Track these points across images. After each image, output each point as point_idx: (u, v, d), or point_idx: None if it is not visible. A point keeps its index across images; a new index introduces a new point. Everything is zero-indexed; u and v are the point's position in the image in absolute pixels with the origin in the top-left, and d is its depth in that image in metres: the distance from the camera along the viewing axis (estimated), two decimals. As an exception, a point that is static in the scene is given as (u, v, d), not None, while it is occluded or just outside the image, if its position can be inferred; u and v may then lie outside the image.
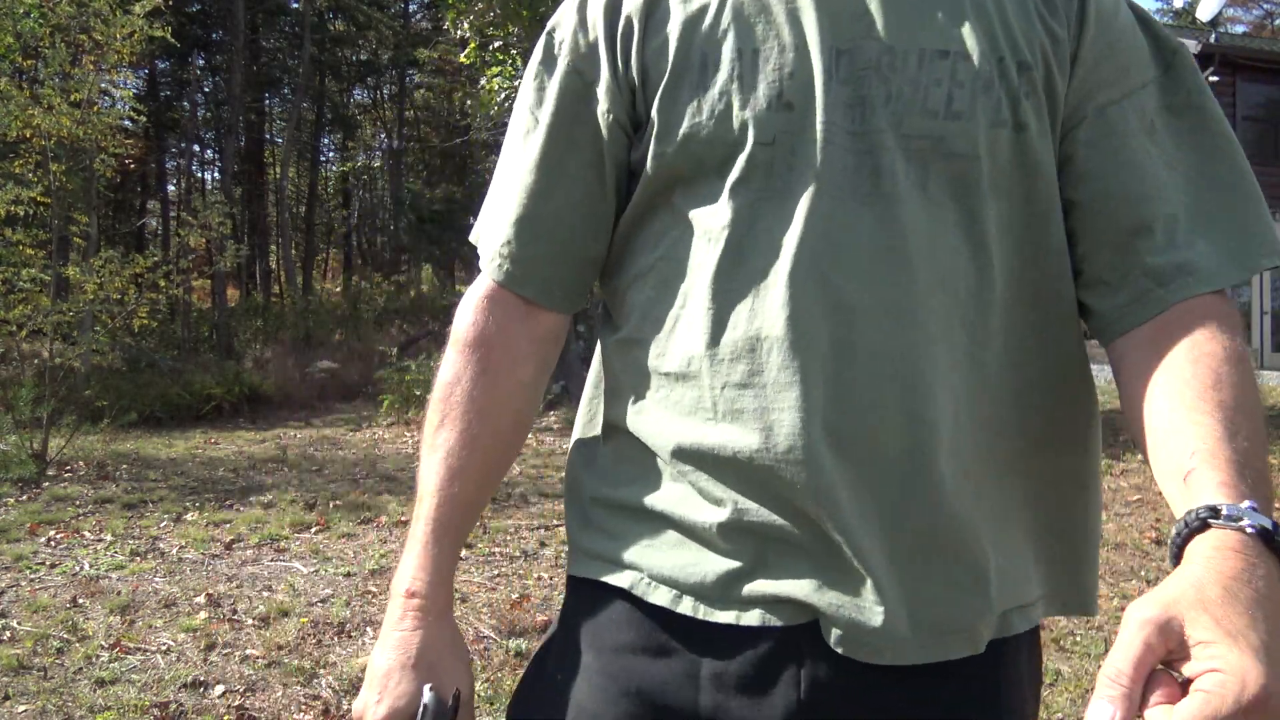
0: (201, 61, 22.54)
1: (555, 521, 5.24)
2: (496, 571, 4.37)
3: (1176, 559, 0.60)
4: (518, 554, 4.65)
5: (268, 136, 24.97)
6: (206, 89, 23.24)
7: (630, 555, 0.82)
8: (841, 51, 0.77)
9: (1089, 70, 0.79)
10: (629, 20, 0.83)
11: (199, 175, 26.33)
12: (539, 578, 4.29)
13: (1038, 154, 0.77)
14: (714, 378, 0.77)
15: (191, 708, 2.96)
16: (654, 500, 0.81)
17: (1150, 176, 0.78)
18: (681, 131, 0.79)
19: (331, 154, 29.66)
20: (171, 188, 25.00)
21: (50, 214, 7.77)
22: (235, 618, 3.74)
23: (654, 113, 0.81)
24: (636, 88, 0.83)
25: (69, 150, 8.17)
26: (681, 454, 0.79)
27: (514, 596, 3.98)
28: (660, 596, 0.80)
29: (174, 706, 2.95)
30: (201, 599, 3.92)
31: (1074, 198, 0.79)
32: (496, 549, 4.73)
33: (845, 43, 0.77)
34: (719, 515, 0.77)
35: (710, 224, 0.79)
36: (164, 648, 3.43)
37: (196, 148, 24.36)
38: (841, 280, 0.74)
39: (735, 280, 0.78)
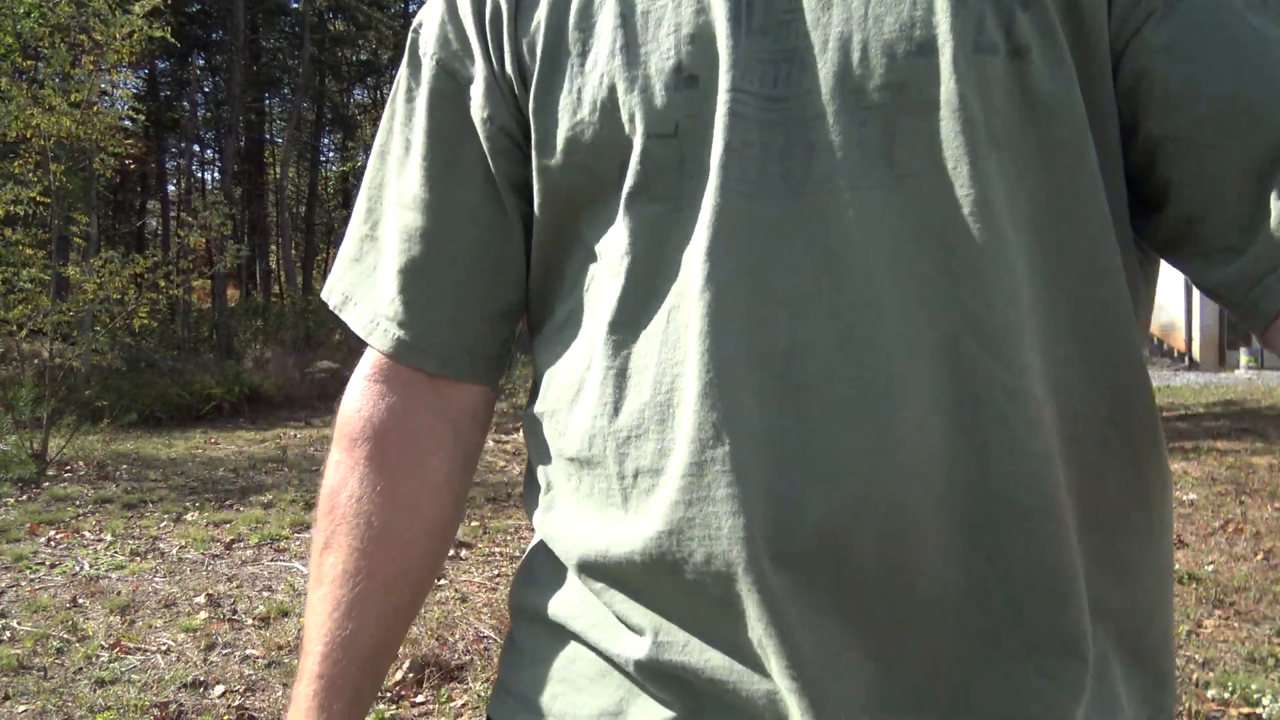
0: (201, 61, 22.55)
1: (555, 521, 5.25)
2: (496, 571, 4.37)
3: None
4: (517, 554, 4.65)
5: (268, 136, 24.98)
6: (206, 89, 23.25)
7: (547, 695, 0.62)
8: None
9: None
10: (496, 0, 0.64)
11: (199, 175, 26.36)
12: (539, 578, 4.30)
13: (1050, 89, 0.53)
14: (620, 461, 0.57)
15: (191, 708, 2.96)
16: (570, 616, 0.62)
17: None
18: (561, 137, 0.60)
19: (331, 154, 29.69)
20: (171, 188, 25.02)
21: (50, 214, 7.77)
22: (235, 618, 3.74)
23: (530, 116, 0.62)
24: (516, 86, 0.63)
25: (69, 150, 8.17)
26: (588, 568, 0.59)
27: (514, 596, 3.98)
28: None
29: (174, 706, 2.95)
30: (201, 599, 3.93)
31: (1160, 132, 0.53)
32: (496, 549, 4.73)
33: None
34: (638, 649, 0.57)
35: (610, 255, 0.59)
36: (164, 648, 3.44)
37: (196, 148, 24.38)
38: (771, 312, 0.53)
39: (638, 327, 0.57)
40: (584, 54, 0.60)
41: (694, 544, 0.53)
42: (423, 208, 0.66)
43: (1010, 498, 0.52)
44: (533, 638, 0.65)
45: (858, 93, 0.53)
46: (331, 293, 0.71)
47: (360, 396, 0.68)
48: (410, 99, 0.67)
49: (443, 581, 4.21)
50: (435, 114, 0.66)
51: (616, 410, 0.58)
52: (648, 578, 0.56)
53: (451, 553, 4.65)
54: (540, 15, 0.62)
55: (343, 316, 0.70)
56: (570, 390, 0.61)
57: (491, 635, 3.53)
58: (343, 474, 0.68)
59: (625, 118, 0.57)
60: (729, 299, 0.53)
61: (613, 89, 0.58)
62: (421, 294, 0.66)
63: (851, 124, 0.53)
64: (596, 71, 0.59)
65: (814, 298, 0.53)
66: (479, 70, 0.64)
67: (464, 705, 3.00)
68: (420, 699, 3.05)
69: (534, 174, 0.62)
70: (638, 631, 0.58)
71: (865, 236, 0.53)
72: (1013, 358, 0.52)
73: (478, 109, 0.64)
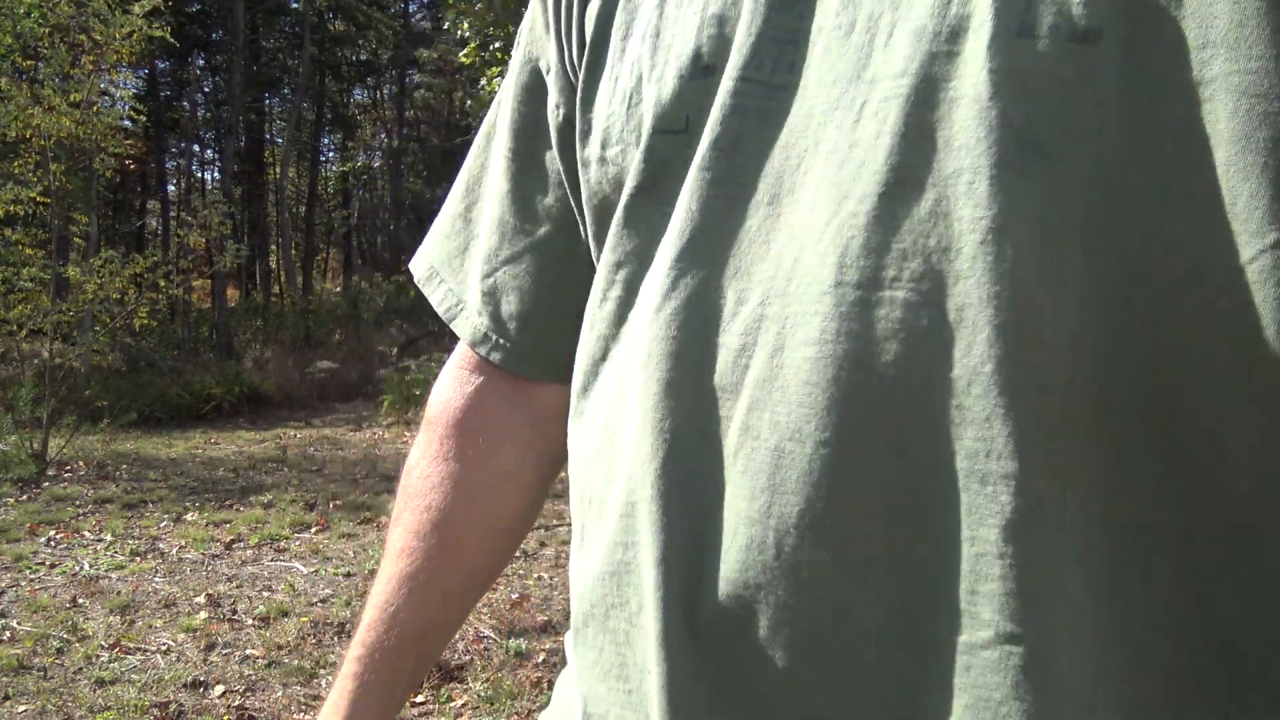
0: (201, 61, 22.55)
1: (555, 521, 5.25)
2: (496, 571, 4.38)
3: None
4: (518, 554, 4.65)
5: (268, 136, 24.98)
6: (206, 89, 23.25)
7: None
8: None
9: None
10: None
11: (199, 175, 26.36)
12: (539, 578, 4.29)
13: (1138, 87, 0.39)
14: (582, 486, 0.55)
15: (191, 708, 2.96)
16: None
17: None
18: (597, 130, 0.55)
19: (331, 154, 29.70)
20: (171, 188, 25.02)
21: (50, 214, 7.77)
22: (235, 618, 3.75)
23: (578, 106, 0.56)
24: (575, 73, 0.58)
25: (69, 150, 8.18)
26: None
27: (514, 596, 3.98)
28: None
29: (174, 706, 2.95)
30: (201, 599, 3.93)
31: None
32: (496, 549, 4.73)
33: None
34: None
35: (603, 266, 0.54)
36: (164, 648, 3.44)
37: (196, 148, 24.40)
38: (723, 339, 0.47)
39: (609, 384, 0.53)
40: (626, 37, 0.54)
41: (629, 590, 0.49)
42: (508, 202, 0.64)
43: None
44: None
45: (872, 84, 0.44)
46: (419, 265, 0.69)
47: (444, 379, 0.69)
48: (506, 86, 0.65)
49: (443, 581, 4.22)
50: (520, 106, 0.64)
51: (586, 499, 0.54)
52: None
53: (451, 553, 4.65)
54: None
55: (425, 291, 0.69)
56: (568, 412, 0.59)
57: (491, 635, 3.53)
58: (418, 454, 0.68)
59: (643, 110, 0.52)
60: (682, 318, 0.47)
61: (639, 78, 0.52)
62: (501, 288, 0.65)
63: (859, 121, 0.44)
64: (629, 58, 0.53)
65: (768, 327, 0.45)
66: (553, 55, 0.60)
67: (464, 705, 3.00)
68: (420, 699, 3.05)
69: (578, 171, 0.58)
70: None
71: (863, 270, 0.43)
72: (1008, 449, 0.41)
73: (550, 98, 0.60)
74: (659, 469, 0.47)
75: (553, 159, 0.62)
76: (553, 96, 0.60)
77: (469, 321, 0.66)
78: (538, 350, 0.65)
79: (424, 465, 0.67)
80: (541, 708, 3.04)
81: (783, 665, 0.44)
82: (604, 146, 0.54)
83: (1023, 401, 0.40)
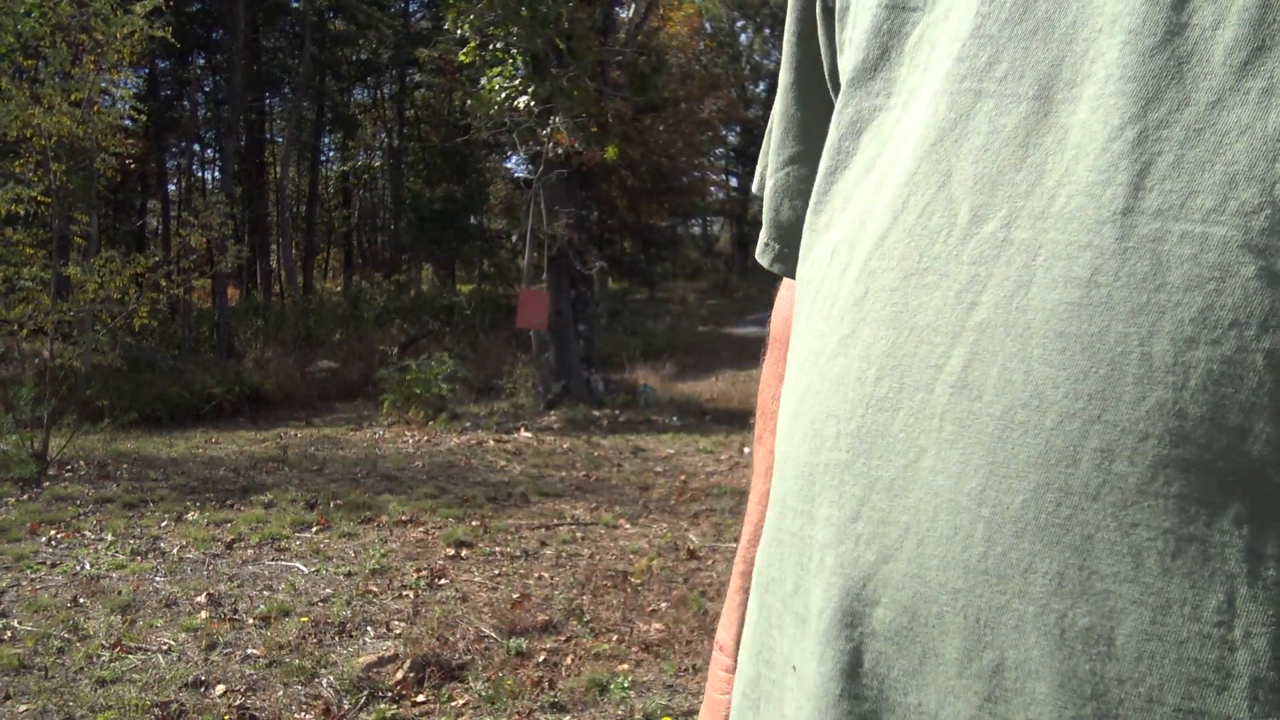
0: (202, 61, 22.53)
1: (555, 521, 5.25)
2: (497, 571, 4.38)
3: None
4: (518, 554, 4.65)
5: (268, 136, 24.98)
6: (207, 88, 23.23)
7: None
8: None
9: None
10: None
11: (199, 175, 26.37)
12: (539, 577, 4.30)
13: None
14: None
15: (192, 707, 2.96)
16: None
17: None
18: (842, 11, 0.53)
19: (332, 153, 29.69)
20: (172, 187, 25.02)
21: (51, 213, 7.76)
22: (236, 617, 3.75)
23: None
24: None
25: (69, 150, 8.16)
26: None
27: (514, 596, 3.98)
28: None
29: (175, 706, 2.95)
30: (202, 598, 3.93)
31: None
32: (497, 548, 4.73)
33: None
34: None
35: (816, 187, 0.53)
36: (165, 647, 3.44)
37: (196, 147, 24.39)
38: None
39: (814, 302, 0.50)
40: None
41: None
42: (791, 95, 0.58)
43: None
44: None
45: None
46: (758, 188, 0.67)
47: (779, 299, 0.68)
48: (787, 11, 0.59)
49: (443, 581, 4.22)
50: (798, 24, 0.57)
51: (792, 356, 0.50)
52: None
53: (451, 552, 4.65)
54: None
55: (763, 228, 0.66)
56: None
57: (492, 635, 3.53)
58: (766, 373, 0.68)
59: None
60: (892, 240, 0.40)
61: None
62: (779, 192, 0.61)
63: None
64: None
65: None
66: None
67: (464, 705, 3.00)
68: (421, 698, 3.05)
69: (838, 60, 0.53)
70: None
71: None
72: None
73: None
74: (842, 428, 0.39)
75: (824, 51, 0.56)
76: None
77: (770, 252, 0.63)
78: None
79: (772, 384, 0.66)
80: (542, 707, 3.05)
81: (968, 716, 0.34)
82: (852, 27, 0.48)
83: None
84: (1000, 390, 0.34)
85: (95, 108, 7.78)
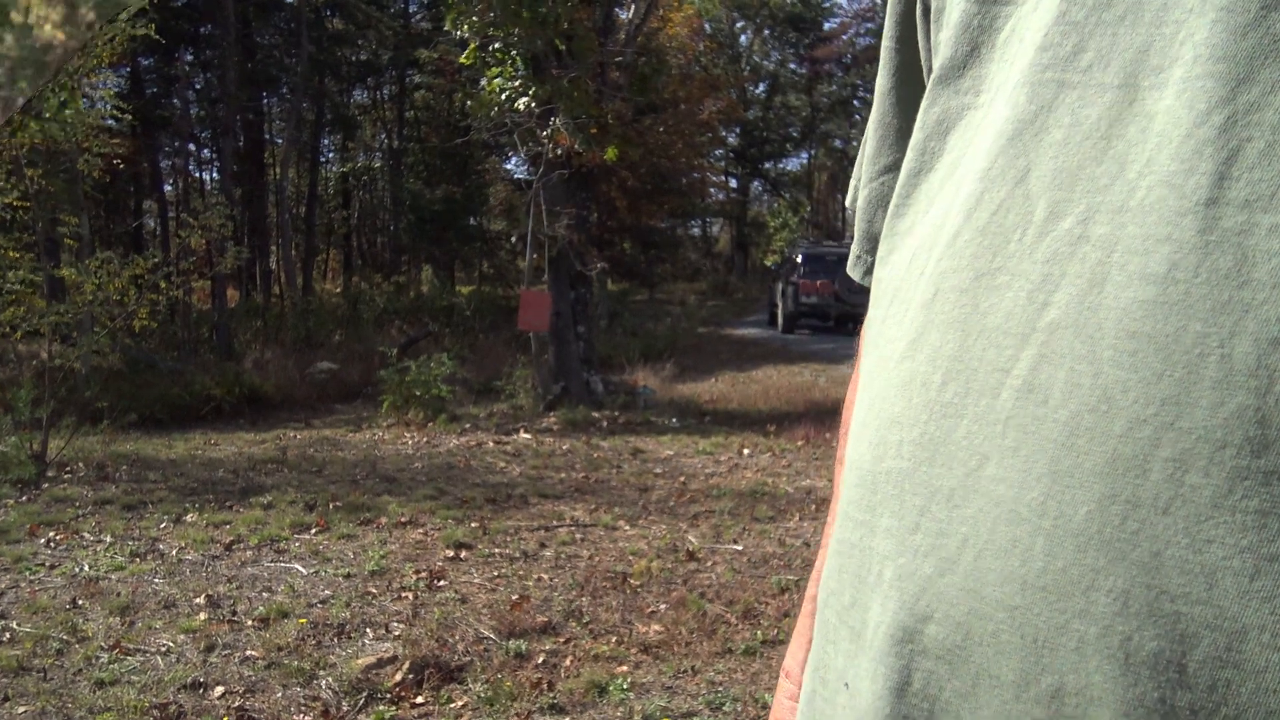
0: (190, 57, 22.36)
1: (554, 522, 5.24)
2: (496, 572, 4.37)
3: None
4: (517, 555, 4.65)
5: (267, 137, 24.98)
6: (198, 85, 23.10)
7: None
8: None
9: None
10: None
11: (197, 175, 26.36)
12: (538, 579, 4.29)
13: None
14: None
15: (191, 709, 2.96)
16: None
17: None
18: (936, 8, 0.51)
19: (331, 154, 29.69)
20: (169, 188, 25.00)
21: (33, 216, 7.70)
22: (235, 619, 3.74)
23: None
24: None
25: (46, 153, 8.09)
26: None
27: (513, 597, 3.98)
28: None
29: (174, 708, 2.95)
30: (201, 600, 3.92)
31: None
32: (496, 550, 4.73)
33: None
34: None
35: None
36: (164, 649, 3.43)
37: (193, 147, 24.37)
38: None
39: (901, 306, 0.47)
40: None
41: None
42: (889, 102, 0.55)
43: None
44: None
45: None
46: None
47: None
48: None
49: (443, 583, 4.21)
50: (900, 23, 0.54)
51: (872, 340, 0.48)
52: None
53: (451, 554, 4.65)
54: None
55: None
56: None
57: (491, 636, 3.53)
58: (850, 395, 0.64)
59: None
60: (966, 238, 0.38)
61: None
62: (872, 201, 0.57)
63: None
64: None
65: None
66: None
67: (464, 706, 3.00)
68: (420, 700, 3.04)
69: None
70: None
71: None
72: None
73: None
74: (905, 435, 0.38)
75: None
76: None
77: (860, 265, 0.59)
78: None
79: (852, 398, 0.64)
80: (541, 709, 3.04)
81: None
82: (945, 27, 0.46)
83: None
84: (1067, 394, 0.32)
85: (73, 109, 7.63)
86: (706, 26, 25.24)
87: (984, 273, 0.36)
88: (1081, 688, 0.31)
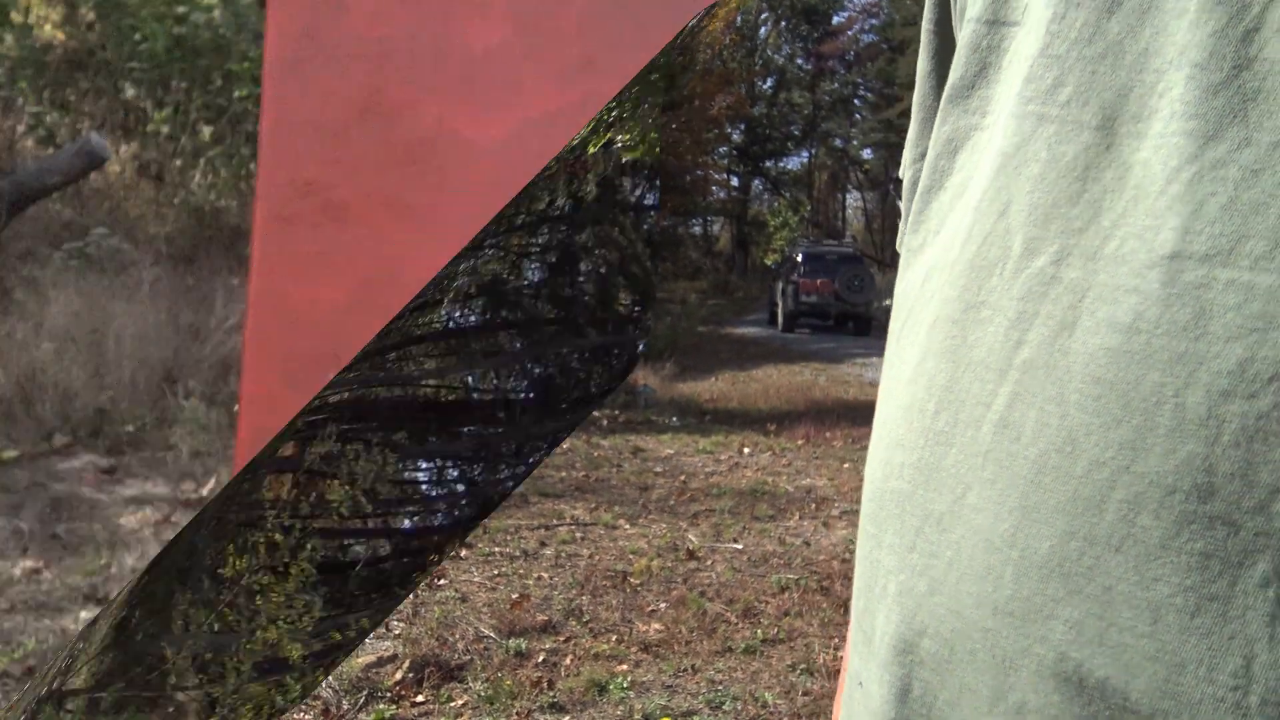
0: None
1: (555, 521, 5.25)
2: (496, 571, 4.38)
3: None
4: (518, 554, 4.65)
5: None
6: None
7: None
8: None
9: None
10: None
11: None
12: (539, 577, 4.30)
13: None
14: None
15: (191, 707, 2.96)
16: None
17: None
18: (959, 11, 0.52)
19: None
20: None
21: None
22: (235, 617, 3.74)
23: None
24: None
25: None
26: None
27: (514, 596, 3.98)
28: None
29: (174, 706, 2.95)
30: (201, 598, 3.93)
31: None
32: (496, 548, 4.73)
33: None
34: None
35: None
36: (164, 647, 3.44)
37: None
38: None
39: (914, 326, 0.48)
40: None
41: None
42: (929, 85, 0.54)
43: None
44: None
45: None
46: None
47: None
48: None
49: (443, 581, 4.21)
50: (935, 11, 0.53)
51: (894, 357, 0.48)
52: None
53: (451, 552, 4.65)
54: None
55: None
56: None
57: (491, 635, 3.53)
58: None
59: None
60: (959, 269, 0.39)
61: None
62: (913, 186, 0.56)
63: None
64: None
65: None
66: None
67: (464, 705, 3.00)
68: (420, 699, 3.05)
69: None
70: None
71: None
72: None
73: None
74: (906, 458, 0.39)
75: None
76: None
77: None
78: None
79: None
80: (541, 707, 3.06)
81: None
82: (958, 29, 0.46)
83: None
84: (1037, 433, 0.34)
85: None
86: (738, 19, 25.24)
87: (971, 305, 0.38)
88: (1041, 706, 0.33)
